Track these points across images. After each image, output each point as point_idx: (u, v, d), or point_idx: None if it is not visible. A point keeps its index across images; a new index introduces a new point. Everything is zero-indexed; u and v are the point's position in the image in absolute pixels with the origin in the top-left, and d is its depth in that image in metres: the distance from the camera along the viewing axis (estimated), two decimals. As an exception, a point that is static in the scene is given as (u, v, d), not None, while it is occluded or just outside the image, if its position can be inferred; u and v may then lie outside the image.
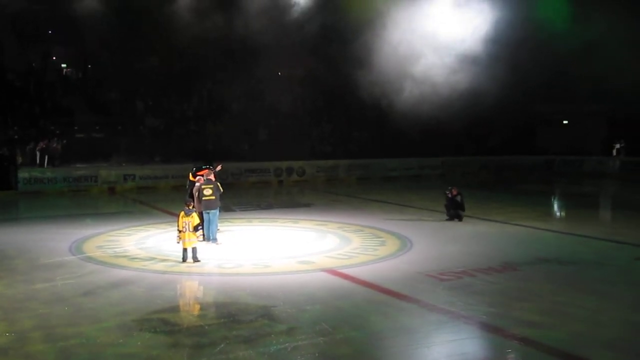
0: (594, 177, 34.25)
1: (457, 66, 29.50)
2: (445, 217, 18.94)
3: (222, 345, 8.00)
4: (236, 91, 34.73)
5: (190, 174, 16.13)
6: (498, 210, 21.18)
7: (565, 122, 39.72)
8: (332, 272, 12.27)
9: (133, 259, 13.51)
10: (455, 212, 18.81)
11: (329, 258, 13.55)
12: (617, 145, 35.21)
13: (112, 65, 34.75)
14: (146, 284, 11.24)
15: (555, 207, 25.58)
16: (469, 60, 29.87)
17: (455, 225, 18.21)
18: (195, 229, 12.77)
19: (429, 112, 28.71)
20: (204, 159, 20.85)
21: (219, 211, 15.44)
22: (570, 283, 11.40)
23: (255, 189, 29.75)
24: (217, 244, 14.94)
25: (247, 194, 26.93)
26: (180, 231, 12.80)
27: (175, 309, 9.94)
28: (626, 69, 33.35)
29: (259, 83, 34.00)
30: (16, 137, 30.58)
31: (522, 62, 34.64)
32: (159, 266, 12.73)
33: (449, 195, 19.00)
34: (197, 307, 10.31)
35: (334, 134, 35.62)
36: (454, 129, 32.45)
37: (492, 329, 8.77)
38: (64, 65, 37.91)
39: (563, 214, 23.56)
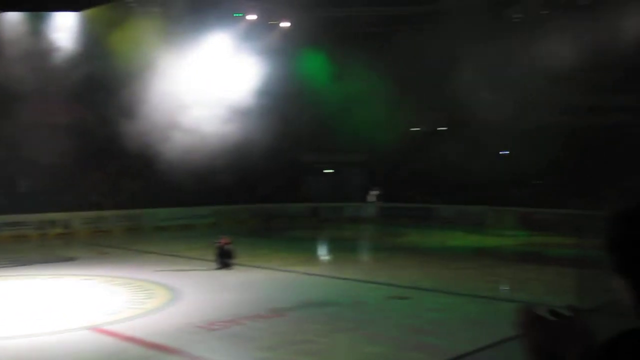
0: (354, 222, 36.81)
1: (229, 117, 30.31)
2: (216, 266, 19.11)
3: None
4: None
5: None
6: (267, 257, 21.89)
7: (329, 170, 42.25)
8: (98, 330, 11.80)
9: None
10: (225, 261, 19.11)
11: (94, 314, 13.00)
12: (374, 192, 38.23)
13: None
14: None
15: (320, 252, 27.09)
16: (240, 112, 30.85)
17: (225, 274, 18.48)
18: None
19: (199, 162, 29.00)
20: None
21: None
22: (331, 323, 12.22)
23: (14, 243, 27.44)
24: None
25: (3, 250, 24.78)
26: None
27: None
28: (381, 123, 36.68)
29: (19, 131, 31.57)
30: None
31: (291, 114, 36.64)
32: None
33: (219, 245, 19.29)
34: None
35: (102, 184, 34.21)
36: (225, 178, 32.93)
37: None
38: None
39: (326, 258, 25.04)
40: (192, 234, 30.49)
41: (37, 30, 33.02)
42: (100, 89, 32.62)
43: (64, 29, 33.70)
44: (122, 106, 28.69)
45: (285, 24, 39.84)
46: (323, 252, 27.03)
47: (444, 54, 34.11)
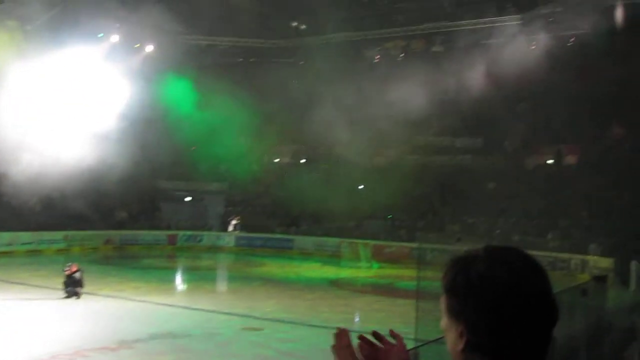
0: (213, 251, 36.39)
1: (85, 139, 29.09)
2: (64, 295, 18.12)
3: None
4: None
5: None
6: (119, 286, 21.06)
7: (188, 198, 41.55)
8: None
9: None
10: (73, 289, 18.16)
11: None
12: (233, 222, 38.10)
13: None
14: None
15: (175, 281, 26.50)
16: (97, 135, 29.71)
17: (73, 303, 17.57)
18: None
19: (50, 185, 27.52)
20: None
21: None
22: (179, 355, 11.98)
23: None
24: None
25: None
26: None
27: None
28: (243, 152, 36.81)
29: None
30: None
31: (151, 140, 35.78)
32: None
33: (68, 272, 18.32)
34: None
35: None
36: (78, 202, 31.30)
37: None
38: None
39: (182, 288, 24.55)
40: (37, 260, 28.64)
41: None
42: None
43: None
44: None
45: (149, 48, 39.09)
46: (179, 282, 26.47)
47: (304, 88, 35.01)
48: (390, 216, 36.31)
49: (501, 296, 1.37)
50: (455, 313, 1.43)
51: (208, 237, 38.29)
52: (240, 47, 41.10)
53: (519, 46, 32.72)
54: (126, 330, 14.09)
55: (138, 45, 38.80)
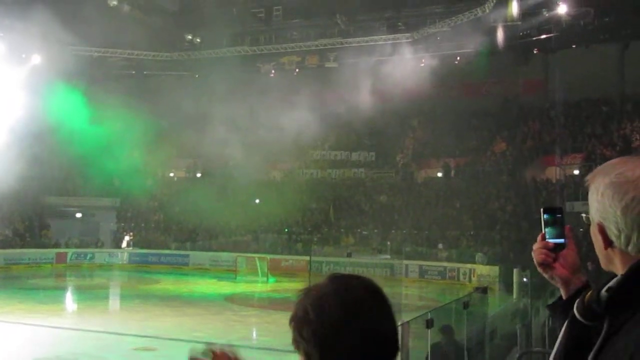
0: (105, 269, 35.12)
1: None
2: (-62, 321, 16.85)
3: None
4: None
5: None
6: (3, 308, 19.80)
7: (78, 215, 39.96)
8: None
9: None
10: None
11: None
12: (126, 238, 37.09)
13: None
14: None
15: (64, 301, 25.31)
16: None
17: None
18: None
19: None
20: None
21: None
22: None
23: None
24: None
25: None
26: None
27: None
28: (134, 167, 35.89)
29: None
30: None
31: (40, 156, 34.22)
32: None
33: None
34: None
35: None
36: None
37: None
38: None
39: (71, 308, 23.48)
40: None
41: None
42: None
43: None
44: None
45: (37, 59, 37.27)
46: (68, 302, 25.29)
47: (199, 102, 34.72)
48: (287, 229, 36.49)
49: (334, 329, 1.37)
50: (296, 344, 1.43)
51: (99, 254, 36.95)
52: (133, 59, 40.00)
53: (409, 63, 33.81)
54: (9, 357, 13.26)
55: (24, 55, 36.97)
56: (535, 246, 1.68)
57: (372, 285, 1.47)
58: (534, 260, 1.67)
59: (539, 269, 1.68)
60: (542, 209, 1.73)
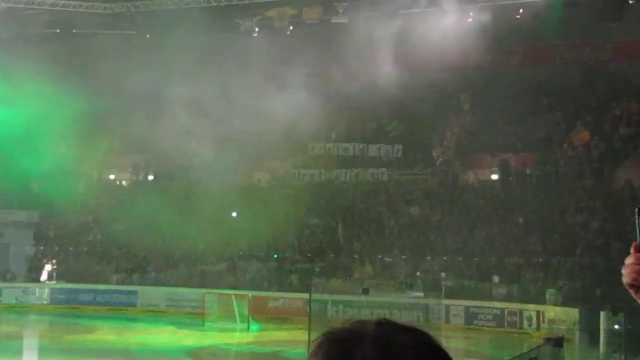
0: (17, 311, 35.01)
1: None
2: None
3: None
4: None
5: None
6: None
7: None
8: None
9: None
10: None
11: None
12: (48, 267, 37.08)
13: None
14: None
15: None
16: None
17: None
18: None
19: None
20: None
21: None
22: None
23: None
24: None
25: None
26: None
27: None
28: (59, 168, 35.85)
29: None
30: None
31: None
32: None
33: None
34: None
35: None
36: None
37: None
38: None
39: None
40: None
41: None
42: None
43: None
44: None
45: None
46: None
47: (150, 74, 34.52)
48: (276, 255, 36.47)
49: None
50: None
51: (9, 291, 36.84)
52: (58, 12, 39.85)
53: (450, 18, 33.72)
54: None
55: None
56: (627, 260, 1.67)
57: (433, 341, 1.54)
58: (623, 279, 1.66)
59: (631, 292, 1.67)
60: (636, 209, 1.72)
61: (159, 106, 35.65)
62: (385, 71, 34.43)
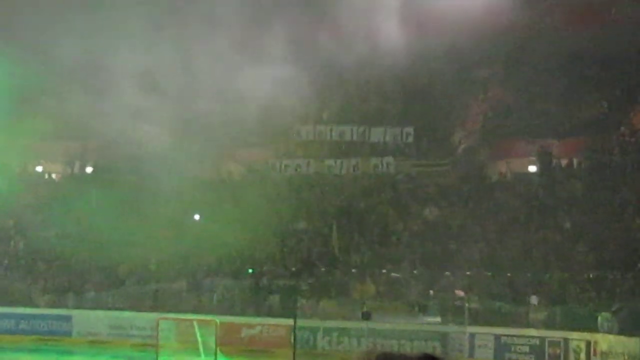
0: None
1: None
2: None
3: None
4: None
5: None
6: None
7: None
8: None
9: None
10: None
11: None
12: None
13: None
14: None
15: None
16: None
17: None
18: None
19: None
20: None
21: None
22: None
23: None
24: None
25: None
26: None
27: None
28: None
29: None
30: None
31: None
32: None
33: None
34: None
35: None
36: None
37: None
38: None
39: None
40: None
41: None
42: None
43: None
44: None
45: None
46: None
47: (88, 39, 34.67)
48: (252, 270, 36.34)
49: None
50: None
51: None
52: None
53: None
54: None
55: None
56: None
57: None
58: None
59: None
60: None
61: (101, 80, 35.88)
62: (390, 34, 34.47)
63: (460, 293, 32.68)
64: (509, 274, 33.77)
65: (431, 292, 33.43)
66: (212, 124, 36.92)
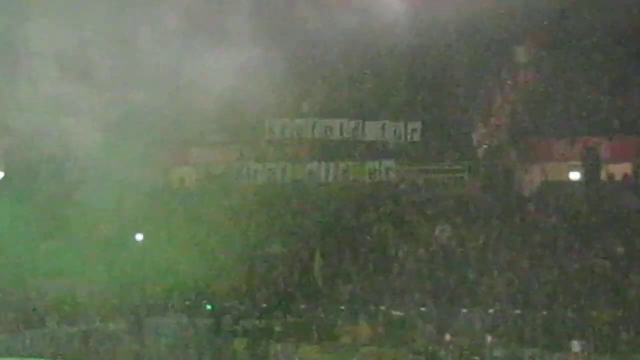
0: None
1: None
2: None
3: None
4: None
5: None
6: None
7: None
8: None
9: None
10: None
11: None
12: None
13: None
14: None
15: None
16: None
17: None
18: None
19: None
20: None
21: None
22: None
23: None
24: None
25: None
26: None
27: None
28: None
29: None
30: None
31: None
32: None
33: None
34: None
35: None
36: None
37: None
38: None
39: None
40: None
41: None
42: None
43: None
44: None
45: None
46: None
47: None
48: (211, 307, 35.95)
49: None
50: None
51: None
52: None
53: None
54: None
55: None
56: None
57: None
58: None
59: None
60: None
61: (14, 65, 35.50)
62: (390, 6, 34.16)
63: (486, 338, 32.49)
64: (544, 312, 33.47)
65: (448, 337, 33.12)
66: (158, 117, 36.57)
